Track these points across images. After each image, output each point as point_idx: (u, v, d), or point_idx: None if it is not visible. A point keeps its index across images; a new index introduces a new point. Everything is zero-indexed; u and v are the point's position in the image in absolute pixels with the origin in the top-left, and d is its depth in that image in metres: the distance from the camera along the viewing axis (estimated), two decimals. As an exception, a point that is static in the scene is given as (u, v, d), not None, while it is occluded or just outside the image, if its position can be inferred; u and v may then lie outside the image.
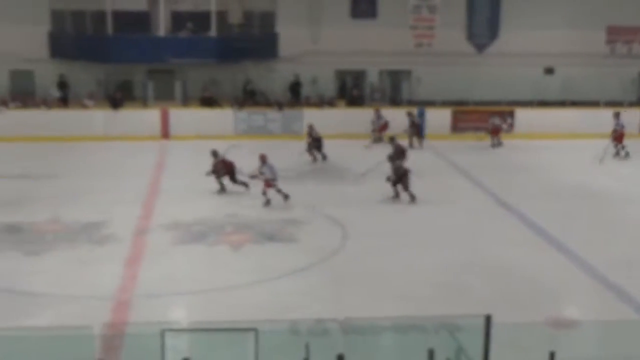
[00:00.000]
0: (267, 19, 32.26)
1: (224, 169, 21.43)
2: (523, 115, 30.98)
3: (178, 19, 31.29)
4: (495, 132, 28.91)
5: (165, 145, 28.26)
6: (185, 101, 31.10)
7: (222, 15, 31.02)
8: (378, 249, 16.97)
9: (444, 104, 31.11)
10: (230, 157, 21.65)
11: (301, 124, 29.36)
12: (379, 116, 29.11)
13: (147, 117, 29.59)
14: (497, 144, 28.82)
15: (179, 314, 13.89)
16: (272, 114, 29.96)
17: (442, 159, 26.72)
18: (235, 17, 31.72)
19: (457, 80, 31.14)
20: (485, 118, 30.29)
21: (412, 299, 14.14)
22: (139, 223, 18.63)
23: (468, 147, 28.60)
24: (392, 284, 14.97)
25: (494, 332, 9.26)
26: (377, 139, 28.16)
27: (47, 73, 31.29)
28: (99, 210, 19.42)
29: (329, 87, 32.32)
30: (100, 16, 30.52)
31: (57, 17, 31.58)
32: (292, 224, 18.76)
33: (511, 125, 30.62)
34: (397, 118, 28.90)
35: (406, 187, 20.75)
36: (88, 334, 9.89)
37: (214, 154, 21.53)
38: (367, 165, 22.98)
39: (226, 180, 21.44)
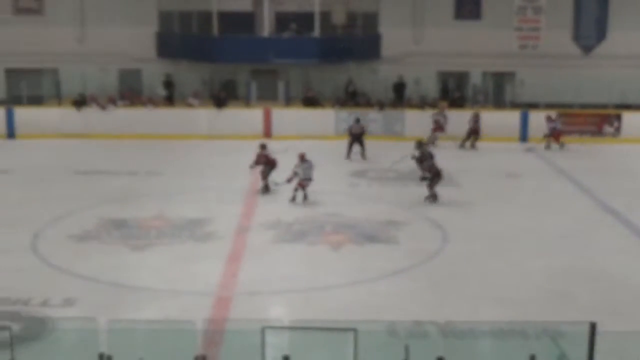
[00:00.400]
0: (370, 20, 32.30)
1: (267, 164, 21.62)
2: (630, 119, 30.19)
3: (282, 20, 31.61)
4: (556, 135, 28.27)
5: (268, 145, 28.48)
6: (288, 101, 31.37)
7: (325, 16, 31.19)
8: (478, 253, 16.81)
9: (548, 106, 30.54)
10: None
11: (402, 125, 29.39)
12: (444, 116, 28.85)
13: (250, 117, 29.96)
14: (559, 147, 28.24)
15: (278, 312, 14.02)
16: (373, 114, 29.94)
17: (546, 162, 26.28)
18: (338, 18, 31.87)
19: (562, 82, 30.52)
20: (591, 121, 29.72)
21: (513, 304, 13.96)
22: (240, 221, 18.89)
23: (572, 150, 28.04)
24: (493, 288, 14.80)
25: (597, 340, 9.08)
26: (432, 139, 27.85)
27: (154, 72, 32.02)
28: (202, 207, 19.77)
29: (431, 88, 32.13)
30: (206, 17, 31.06)
31: (164, 17, 32.30)
32: (393, 225, 18.72)
33: (618, 129, 29.91)
34: (501, 119, 28.66)
35: (432, 186, 20.76)
36: (191, 329, 10.08)
37: (263, 146, 21.99)
38: (467, 166, 22.81)
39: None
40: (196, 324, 10.33)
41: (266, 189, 21.46)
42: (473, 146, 28.31)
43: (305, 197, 20.50)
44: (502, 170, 24.79)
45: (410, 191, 21.98)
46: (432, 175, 20.81)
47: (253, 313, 12.99)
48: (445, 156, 26.12)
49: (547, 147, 27.97)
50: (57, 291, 14.34)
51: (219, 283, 14.98)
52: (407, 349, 8.60)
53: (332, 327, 9.16)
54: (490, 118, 28.95)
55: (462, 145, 28.29)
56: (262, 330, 8.74)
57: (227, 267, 15.86)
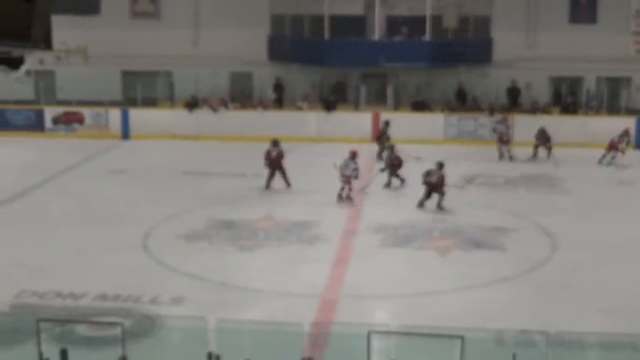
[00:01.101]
0: (483, 24, 31.96)
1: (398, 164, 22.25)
2: None
3: (393, 23, 31.58)
4: (611, 148, 26.34)
5: (376, 148, 28.48)
6: (397, 105, 31.28)
7: (436, 20, 31.00)
8: (588, 261, 16.40)
9: (665, 112, 29.62)
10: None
11: (512, 130, 28.99)
12: (507, 125, 28.14)
13: (359, 120, 30.01)
14: (611, 161, 26.16)
15: (384, 317, 13.98)
16: (483, 119, 29.58)
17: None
18: (450, 22, 31.60)
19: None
20: None
21: (623, 315, 13.57)
22: (347, 224, 18.93)
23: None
24: (602, 298, 14.40)
25: None
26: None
27: (264, 75, 32.39)
28: (309, 210, 19.89)
29: (543, 93, 31.57)
30: (317, 20, 31.26)
31: (276, 21, 32.65)
32: (501, 231, 18.46)
33: None
34: (616, 125, 27.97)
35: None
36: (298, 331, 10.14)
37: (391, 148, 22.63)
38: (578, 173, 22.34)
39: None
40: (303, 326, 10.38)
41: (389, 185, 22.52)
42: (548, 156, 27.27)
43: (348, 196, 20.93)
44: (614, 178, 24.16)
45: (520, 197, 21.65)
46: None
47: (358, 317, 12.97)
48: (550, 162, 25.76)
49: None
50: (167, 289, 14.63)
51: (324, 286, 15.03)
52: (514, 357, 8.45)
53: (439, 333, 9.08)
54: (605, 124, 28.23)
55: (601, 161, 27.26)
56: (368, 335, 8.72)
57: (333, 270, 15.91)
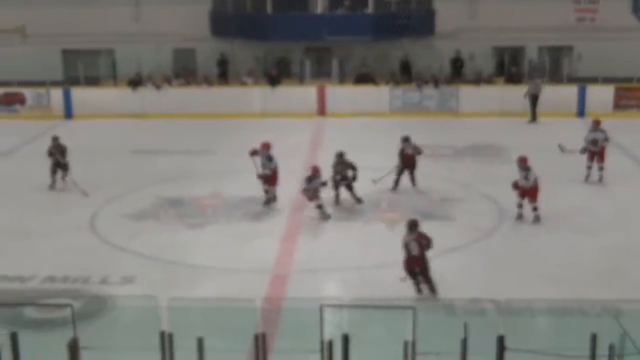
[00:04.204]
0: (425, -5, 32.06)
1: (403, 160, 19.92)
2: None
3: (335, -4, 31.50)
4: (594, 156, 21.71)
5: (322, 123, 28.51)
6: (342, 78, 31.26)
7: (379, -8, 31.02)
8: (534, 231, 16.62)
9: (606, 80, 29.98)
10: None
11: (457, 101, 29.18)
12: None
13: (304, 95, 29.89)
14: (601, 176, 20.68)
15: (335, 290, 14.04)
16: (428, 90, 29.69)
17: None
18: (392, -6, 31.64)
19: (621, 56, 29.94)
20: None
21: (570, 283, 13.79)
22: (295, 199, 18.89)
23: (631, 125, 27.50)
24: (549, 267, 14.62)
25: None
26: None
27: (208, 51, 32.14)
28: (256, 186, 19.80)
29: (487, 64, 31.78)
30: (259, -6, 31.07)
31: (218, -4, 32.40)
32: (449, 202, 18.61)
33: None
34: (558, 94, 28.28)
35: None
36: (250, 307, 10.13)
37: (405, 139, 20.08)
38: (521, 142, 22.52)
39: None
40: (256, 302, 10.37)
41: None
42: None
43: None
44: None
45: (464, 167, 21.82)
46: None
47: (310, 291, 13.02)
48: (498, 131, 26.00)
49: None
50: (116, 269, 14.54)
51: (275, 261, 15.05)
52: (466, 327, 8.54)
53: (391, 305, 9.13)
54: (547, 93, 28.51)
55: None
56: (321, 308, 8.74)
57: (282, 245, 15.93)
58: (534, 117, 28.15)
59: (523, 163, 17.42)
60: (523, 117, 27.94)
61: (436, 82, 29.76)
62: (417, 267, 13.11)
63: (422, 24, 31.92)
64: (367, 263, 14.88)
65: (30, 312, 12.19)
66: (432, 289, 13.04)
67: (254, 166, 18.49)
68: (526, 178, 17.11)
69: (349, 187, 18.53)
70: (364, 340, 9.19)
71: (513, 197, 17.58)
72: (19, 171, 22.04)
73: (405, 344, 8.63)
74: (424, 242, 13.20)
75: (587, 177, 20.27)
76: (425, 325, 8.89)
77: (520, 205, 17.27)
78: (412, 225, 13.49)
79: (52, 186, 20.15)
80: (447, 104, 29.49)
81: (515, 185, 17.25)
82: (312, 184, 17.58)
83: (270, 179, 18.51)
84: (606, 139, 20.30)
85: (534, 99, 28.21)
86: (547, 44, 31.95)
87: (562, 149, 20.31)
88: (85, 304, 12.77)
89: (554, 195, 18.64)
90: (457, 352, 8.70)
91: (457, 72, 31.22)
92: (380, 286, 13.44)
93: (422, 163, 20.16)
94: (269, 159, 18.50)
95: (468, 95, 29.22)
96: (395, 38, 31.33)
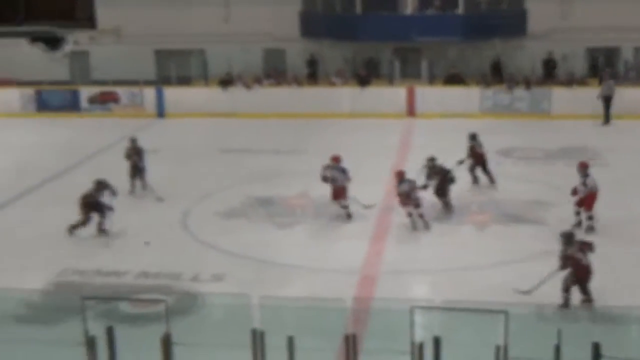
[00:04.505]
0: (517, -5, 31.66)
1: (474, 157, 20.08)
2: None
3: (425, -3, 31.35)
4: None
5: (411, 123, 28.40)
6: (431, 79, 31.09)
7: (469, -7, 30.75)
8: (629, 236, 16.23)
9: None
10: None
11: (549, 103, 28.73)
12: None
13: (393, 95, 29.84)
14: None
15: (424, 292, 13.97)
16: (519, 92, 29.29)
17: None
18: (483, -6, 31.36)
19: None
20: None
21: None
22: (384, 200, 18.84)
23: None
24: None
25: None
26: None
27: (297, 51, 32.35)
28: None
29: (580, 65, 31.21)
30: (349, -5, 31.12)
31: (308, -4, 32.58)
32: (539, 205, 18.32)
33: None
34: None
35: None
36: (340, 307, 10.15)
37: (473, 137, 20.19)
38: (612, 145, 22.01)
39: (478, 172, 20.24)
40: (346, 302, 10.38)
41: (475, 182, 19.75)
42: None
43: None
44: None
45: (556, 170, 21.46)
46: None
47: (398, 292, 12.98)
48: (591, 133, 25.52)
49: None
50: (206, 267, 14.73)
51: (363, 262, 15.03)
52: (559, 333, 8.39)
53: (483, 308, 9.03)
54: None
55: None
56: (411, 310, 8.70)
57: (371, 246, 15.90)
58: (607, 119, 27.51)
59: (583, 168, 16.86)
60: (617, 120, 27.34)
61: (528, 84, 29.34)
62: (588, 276, 12.57)
63: (513, 24, 31.55)
64: (457, 265, 14.75)
65: (124, 307, 12.45)
66: (590, 298, 12.54)
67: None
68: (584, 184, 16.56)
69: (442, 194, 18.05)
70: (455, 343, 9.11)
71: (606, 201, 17.22)
72: (115, 166, 22.52)
73: (497, 348, 8.53)
74: (587, 249, 12.77)
75: None
76: (516, 330, 8.78)
77: (577, 213, 16.74)
78: (569, 237, 12.92)
79: (132, 191, 19.68)
80: (539, 106, 29.03)
81: (574, 192, 16.74)
82: (400, 188, 17.23)
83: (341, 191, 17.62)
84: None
85: (607, 100, 27.56)
86: (643, 44, 31.24)
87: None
88: (177, 300, 12.97)
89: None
90: (550, 359, 8.55)
91: (550, 73, 30.74)
92: (470, 289, 13.32)
93: (512, 166, 19.91)
94: (343, 171, 17.79)
95: (560, 97, 28.73)
96: (486, 39, 31.02)
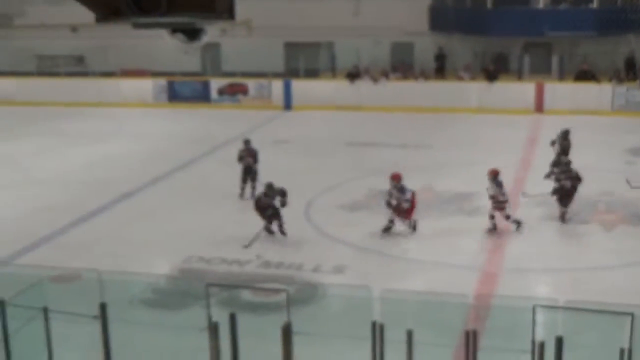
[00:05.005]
0: (655, -11, 30.67)
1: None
2: None
3: (558, -9, 30.75)
4: None
5: (539, 120, 27.91)
6: (562, 75, 30.45)
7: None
8: None
9: None
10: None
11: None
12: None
13: (522, 91, 29.41)
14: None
15: (546, 291, 13.72)
16: (654, 89, 28.41)
17: None
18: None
19: None
20: None
21: None
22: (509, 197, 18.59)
23: None
24: None
25: None
26: None
27: (425, 45, 32.23)
28: (470, 181, 19.63)
29: None
30: (480, -11, 30.81)
31: (438, -9, 32.40)
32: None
33: None
34: None
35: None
36: (461, 302, 10.10)
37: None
38: None
39: None
40: (469, 298, 10.30)
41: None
42: None
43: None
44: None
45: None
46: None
47: (520, 290, 12.79)
48: None
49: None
50: (328, 258, 14.83)
51: (485, 258, 14.90)
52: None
53: (608, 309, 8.82)
54: None
55: None
56: (534, 308, 8.57)
57: (494, 243, 15.72)
58: None
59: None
60: None
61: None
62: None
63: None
64: (581, 265, 14.45)
65: (246, 295, 12.69)
66: None
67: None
68: None
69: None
70: (577, 345, 8.95)
71: None
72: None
73: (622, 351, 8.32)
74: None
75: None
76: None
77: None
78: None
79: (241, 195, 18.73)
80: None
81: None
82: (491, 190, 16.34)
83: (405, 210, 16.30)
84: None
85: None
86: None
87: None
88: (298, 290, 13.13)
89: None
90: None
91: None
92: (594, 290, 13.03)
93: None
94: (402, 190, 16.45)
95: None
96: (621, 34, 30.17)
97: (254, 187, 18.47)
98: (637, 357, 8.37)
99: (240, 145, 19.52)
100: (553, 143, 19.74)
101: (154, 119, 29.56)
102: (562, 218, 16.63)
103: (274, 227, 16.07)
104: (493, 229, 16.18)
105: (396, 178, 16.38)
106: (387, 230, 16.23)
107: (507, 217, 16.18)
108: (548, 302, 9.51)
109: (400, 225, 16.19)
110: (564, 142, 19.61)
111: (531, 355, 8.60)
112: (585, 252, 15.16)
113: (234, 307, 10.72)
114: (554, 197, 16.81)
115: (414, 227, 16.25)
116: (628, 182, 18.59)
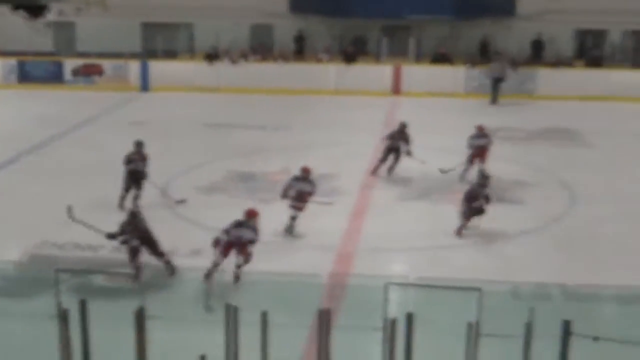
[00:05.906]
0: (507, -25, 31.59)
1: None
2: None
3: (416, -26, 31.20)
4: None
5: (397, 102, 28.35)
6: (419, 58, 31.01)
7: (460, -29, 30.63)
8: (607, 216, 16.26)
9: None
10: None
11: (534, 84, 28.74)
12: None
13: (379, 73, 29.78)
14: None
15: (400, 269, 13.94)
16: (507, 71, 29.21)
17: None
18: (473, -27, 31.21)
19: None
20: None
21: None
22: (365, 177, 18.83)
23: None
24: (621, 254, 14.31)
25: None
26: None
27: (285, 27, 32.20)
28: (327, 163, 19.74)
29: (567, 46, 31.20)
30: (339, -29, 30.96)
31: (297, -28, 32.38)
32: (520, 185, 18.33)
33: None
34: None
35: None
36: (315, 282, 10.12)
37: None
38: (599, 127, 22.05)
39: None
40: (322, 278, 10.34)
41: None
42: None
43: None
44: (636, 131, 23.87)
45: (540, 151, 21.49)
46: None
47: (375, 269, 12.95)
48: (576, 115, 25.53)
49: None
50: (185, 242, 14.62)
51: (341, 238, 15.00)
52: (531, 311, 8.38)
53: (456, 285, 9.01)
54: (627, 78, 27.92)
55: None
56: (385, 287, 8.67)
57: (350, 223, 15.87)
58: (494, 100, 28.35)
59: None
60: (603, 101, 27.43)
61: (514, 65, 29.27)
62: None
63: (503, 4, 31.56)
64: (435, 244, 14.75)
65: (98, 281, 12.40)
66: None
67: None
68: None
69: (396, 159, 18.76)
70: (428, 320, 9.11)
71: (589, 182, 17.15)
72: (97, 139, 22.45)
73: (469, 325, 8.52)
74: None
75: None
76: (490, 308, 8.76)
77: None
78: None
79: (121, 205, 16.43)
80: (525, 87, 29.03)
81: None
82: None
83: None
84: (491, 143, 19.07)
85: (496, 81, 28.41)
86: (632, 27, 31.17)
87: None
88: (152, 274, 12.89)
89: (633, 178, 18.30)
90: (522, 336, 8.56)
91: (537, 54, 30.71)
92: (447, 268, 13.34)
93: (497, 145, 19.87)
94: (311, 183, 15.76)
95: (546, 77, 28.74)
96: (476, 18, 30.93)
97: (137, 197, 16.66)
98: (485, 329, 8.58)
99: (130, 148, 17.32)
100: (391, 143, 19.02)
101: (1, 101, 28.46)
102: (459, 231, 15.51)
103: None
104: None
105: (306, 171, 15.70)
106: (290, 229, 15.34)
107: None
108: (400, 279, 9.66)
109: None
110: (403, 135, 19.17)
111: (383, 331, 8.70)
112: (439, 231, 15.43)
113: (85, 294, 10.41)
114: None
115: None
116: (441, 170, 18.79)
